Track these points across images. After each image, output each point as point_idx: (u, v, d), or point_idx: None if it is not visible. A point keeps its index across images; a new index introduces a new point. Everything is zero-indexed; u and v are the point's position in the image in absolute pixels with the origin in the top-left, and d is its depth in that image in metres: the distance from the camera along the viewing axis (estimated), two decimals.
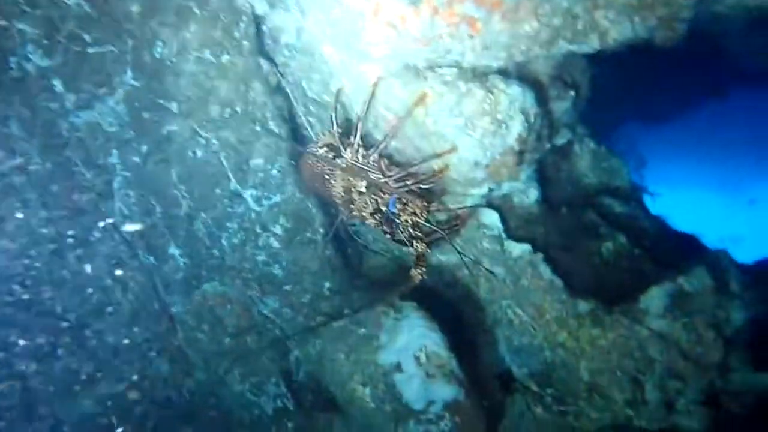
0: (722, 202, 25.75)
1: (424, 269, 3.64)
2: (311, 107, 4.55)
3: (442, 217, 4.38)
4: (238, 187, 4.48)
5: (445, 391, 4.05)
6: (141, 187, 4.41)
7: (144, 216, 4.48)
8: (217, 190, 4.45)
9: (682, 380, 4.15)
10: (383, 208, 3.77)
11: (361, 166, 3.83)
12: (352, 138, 3.90)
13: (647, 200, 5.77)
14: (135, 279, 4.60)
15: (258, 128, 4.43)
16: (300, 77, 4.41)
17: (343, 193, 3.94)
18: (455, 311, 4.77)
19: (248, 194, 4.51)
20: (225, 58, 4.25)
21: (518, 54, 3.74)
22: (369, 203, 3.83)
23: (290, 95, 4.70)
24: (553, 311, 4.37)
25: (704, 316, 4.14)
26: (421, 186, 3.86)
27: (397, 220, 3.72)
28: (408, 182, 3.78)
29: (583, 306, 4.33)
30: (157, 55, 4.16)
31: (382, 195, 3.76)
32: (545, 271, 4.40)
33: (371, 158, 3.84)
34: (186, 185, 4.41)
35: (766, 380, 4.27)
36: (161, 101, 4.24)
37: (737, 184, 25.28)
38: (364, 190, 3.82)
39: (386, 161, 3.90)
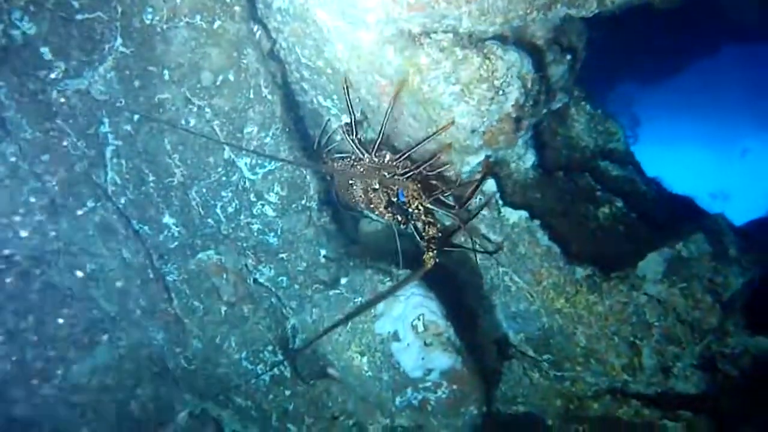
0: (716, 156, 25.93)
1: (435, 252, 3.75)
2: (305, 73, 4.49)
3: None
4: (232, 155, 4.43)
5: (443, 360, 4.05)
6: (133, 156, 4.35)
7: (137, 185, 4.43)
8: (211, 159, 4.40)
9: (679, 345, 4.17)
10: (394, 200, 3.90)
11: (373, 166, 4.04)
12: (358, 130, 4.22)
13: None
14: (129, 248, 4.56)
15: (251, 95, 4.36)
16: (293, 43, 4.33)
17: (362, 195, 4.12)
18: (452, 277, 4.78)
19: (242, 162, 4.46)
20: (217, 23, 4.15)
21: (516, 19, 3.67)
22: (382, 198, 3.96)
23: (284, 61, 4.65)
24: (551, 277, 4.36)
25: (701, 282, 4.15)
26: (429, 173, 4.04)
27: (410, 209, 3.85)
28: (413, 169, 3.95)
29: (580, 272, 4.32)
30: (147, 22, 4.06)
31: (392, 187, 3.90)
32: (542, 237, 4.38)
33: (384, 157, 4.06)
34: (179, 154, 4.35)
35: (763, 343, 4.30)
36: (152, 68, 4.15)
37: (731, 136, 25.43)
38: (377, 186, 3.96)
39: (389, 154, 4.09)
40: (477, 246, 4.43)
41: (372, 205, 4.09)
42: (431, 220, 3.87)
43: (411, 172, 3.93)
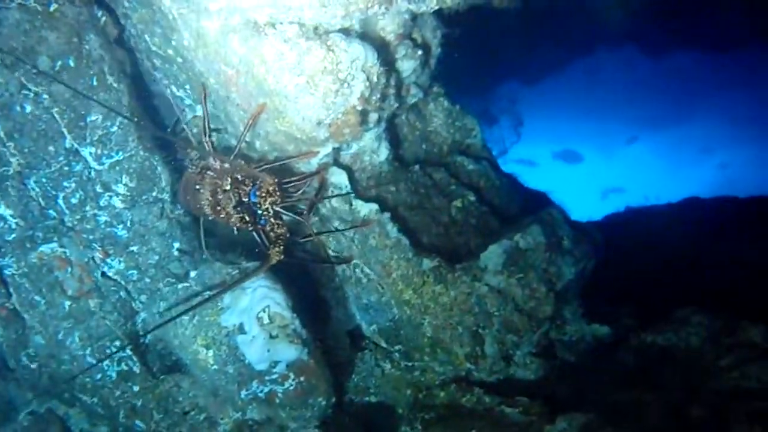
0: (604, 148, 27.14)
1: (282, 248, 3.78)
2: (156, 61, 4.38)
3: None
4: (75, 144, 4.25)
5: (289, 352, 4.04)
6: None
7: None
8: (51, 148, 4.21)
9: (517, 334, 4.33)
10: (245, 200, 3.86)
11: (226, 169, 3.97)
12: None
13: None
14: None
15: (95, 83, 4.21)
16: (142, 30, 4.23)
17: (210, 198, 4.02)
18: (304, 269, 4.78)
19: (87, 152, 4.29)
20: (53, 6, 3.99)
21: (357, 12, 3.69)
22: (232, 198, 3.90)
23: (134, 48, 4.52)
24: (399, 269, 4.43)
25: (537, 272, 4.32)
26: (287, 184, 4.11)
27: (260, 211, 3.83)
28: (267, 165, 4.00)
29: (427, 263, 4.42)
30: None
31: (244, 187, 3.86)
32: (392, 230, 4.44)
33: (236, 163, 3.99)
34: (15, 142, 4.13)
35: (597, 330, 4.53)
36: None
37: (616, 128, 26.66)
38: (228, 187, 3.90)
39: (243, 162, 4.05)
40: (327, 251, 4.49)
41: (219, 207, 4.00)
42: (279, 222, 3.88)
43: (265, 167, 3.92)
